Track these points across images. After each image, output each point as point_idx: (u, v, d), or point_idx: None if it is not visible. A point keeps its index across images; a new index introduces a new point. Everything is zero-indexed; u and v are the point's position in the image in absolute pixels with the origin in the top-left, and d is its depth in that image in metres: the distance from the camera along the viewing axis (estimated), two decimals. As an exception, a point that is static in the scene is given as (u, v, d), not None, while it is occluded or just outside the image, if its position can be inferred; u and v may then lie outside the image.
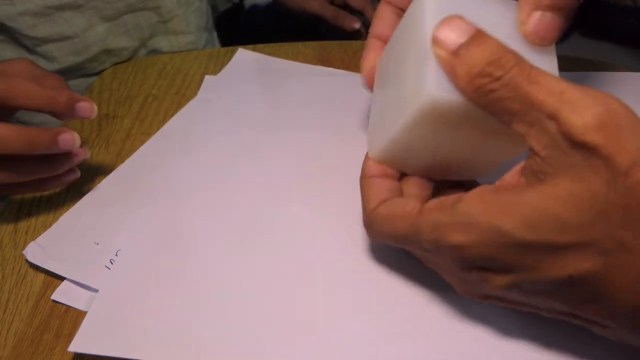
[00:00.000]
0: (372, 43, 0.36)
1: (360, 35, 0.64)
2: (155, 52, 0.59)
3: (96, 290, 0.32)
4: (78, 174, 0.38)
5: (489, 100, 0.22)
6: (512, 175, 0.24)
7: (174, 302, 0.31)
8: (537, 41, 0.24)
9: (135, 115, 0.48)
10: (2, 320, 0.32)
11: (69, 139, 0.34)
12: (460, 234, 0.22)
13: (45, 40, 0.51)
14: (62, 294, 0.33)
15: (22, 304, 0.33)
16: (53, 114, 0.35)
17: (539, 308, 0.25)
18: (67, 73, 0.55)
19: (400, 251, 0.32)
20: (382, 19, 0.35)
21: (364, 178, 0.30)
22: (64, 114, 0.35)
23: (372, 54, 0.35)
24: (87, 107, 0.35)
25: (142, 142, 0.44)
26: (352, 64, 0.52)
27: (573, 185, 0.20)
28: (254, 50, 0.55)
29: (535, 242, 0.21)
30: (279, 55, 0.54)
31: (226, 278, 0.32)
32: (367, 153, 0.32)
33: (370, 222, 0.28)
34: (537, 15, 0.24)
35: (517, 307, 0.26)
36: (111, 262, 0.34)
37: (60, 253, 0.35)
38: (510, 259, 0.22)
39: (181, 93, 0.50)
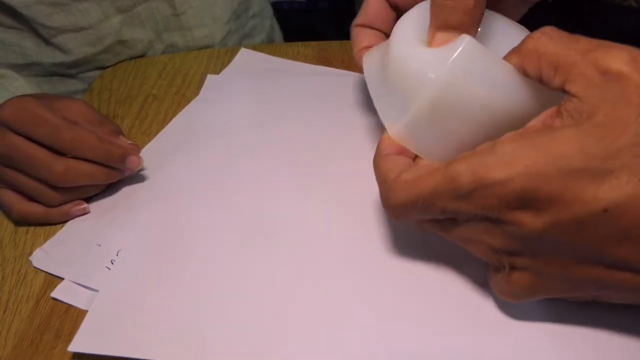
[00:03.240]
0: (358, 31, 0.37)
1: None
2: (171, 47, 0.59)
3: (97, 291, 0.32)
4: (87, 209, 0.39)
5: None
6: (540, 120, 0.25)
7: (175, 302, 0.31)
8: None
9: (135, 116, 0.47)
10: (2, 320, 0.32)
11: (135, 161, 0.38)
12: (503, 168, 0.23)
13: (61, 31, 0.51)
14: (62, 292, 0.33)
15: (22, 304, 0.33)
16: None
17: (568, 267, 0.24)
18: (82, 65, 0.55)
19: (406, 247, 0.33)
20: (368, 7, 0.38)
21: (379, 156, 0.30)
22: (116, 166, 0.37)
23: (364, 40, 0.37)
24: (135, 161, 0.38)
25: (143, 142, 0.44)
26: (352, 64, 0.52)
27: (608, 115, 0.22)
28: (254, 50, 0.55)
29: (578, 169, 0.22)
30: (279, 55, 0.54)
31: (227, 278, 0.32)
32: (382, 136, 0.30)
33: (391, 192, 0.27)
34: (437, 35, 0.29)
35: (537, 276, 0.25)
36: (112, 263, 0.34)
37: (63, 257, 0.35)
38: (553, 189, 0.22)
39: (181, 93, 0.50)
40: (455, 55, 0.26)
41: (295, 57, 0.54)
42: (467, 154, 0.25)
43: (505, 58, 0.27)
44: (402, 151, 0.30)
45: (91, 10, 0.52)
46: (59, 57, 0.53)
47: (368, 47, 0.37)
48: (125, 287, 0.32)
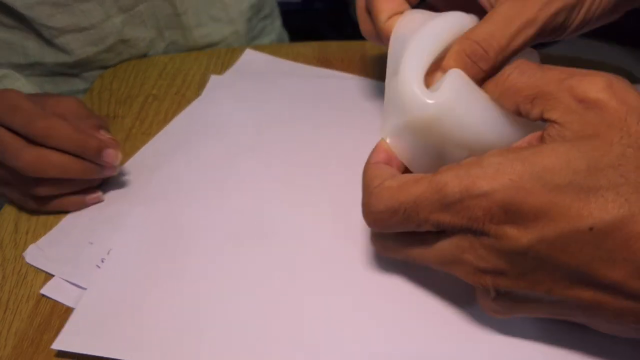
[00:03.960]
0: None
1: None
2: (173, 44, 0.59)
3: (85, 289, 0.32)
4: (102, 198, 0.39)
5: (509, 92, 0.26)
6: (525, 142, 0.25)
7: (165, 303, 0.31)
8: None
9: (135, 116, 0.48)
10: (2, 320, 0.32)
11: (112, 155, 0.37)
12: (488, 180, 0.23)
13: (63, 31, 0.51)
14: (52, 289, 0.33)
15: (23, 303, 0.33)
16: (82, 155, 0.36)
17: (554, 290, 0.24)
18: (84, 64, 0.55)
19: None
20: None
21: (368, 163, 0.29)
22: (92, 159, 0.36)
23: (387, 5, 0.33)
24: (113, 155, 0.37)
25: (143, 142, 0.44)
26: (352, 64, 0.52)
27: (592, 136, 0.22)
28: (255, 50, 0.55)
29: (563, 184, 0.22)
30: (279, 55, 0.54)
31: (221, 279, 0.32)
32: (377, 143, 0.30)
33: (373, 198, 0.26)
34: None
35: (523, 299, 0.25)
36: (102, 261, 0.34)
37: (56, 254, 0.35)
38: (538, 204, 0.22)
39: (181, 93, 0.50)
40: (442, 88, 0.26)
41: (295, 58, 0.54)
42: (453, 166, 0.24)
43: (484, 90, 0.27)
44: (391, 161, 0.29)
45: (93, 11, 0.52)
46: (62, 58, 0.53)
47: (395, 15, 0.34)
48: (113, 286, 0.32)
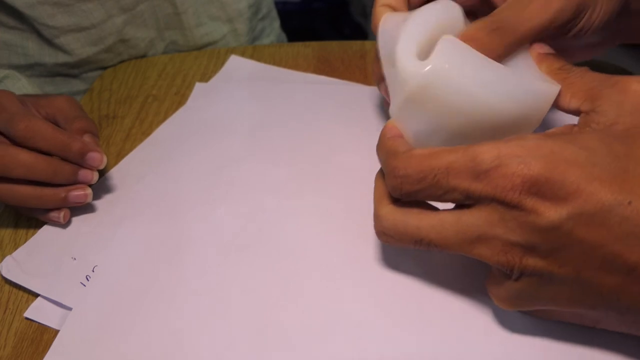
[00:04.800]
0: None
1: None
2: (172, 44, 0.59)
3: (70, 309, 0.31)
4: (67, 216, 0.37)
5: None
6: (558, 130, 0.27)
7: (153, 324, 0.30)
8: None
9: (135, 116, 0.48)
10: (2, 320, 0.32)
11: (98, 158, 0.36)
12: (529, 149, 0.23)
13: (64, 31, 0.51)
14: (36, 311, 0.32)
15: (23, 303, 0.33)
16: (66, 158, 0.36)
17: (583, 271, 0.23)
18: (84, 65, 0.55)
19: (403, 258, 0.32)
20: None
21: (385, 137, 0.29)
22: (75, 161, 0.36)
23: None
24: (97, 158, 0.36)
25: (142, 142, 0.44)
26: (352, 64, 0.52)
27: (627, 123, 0.24)
28: (254, 50, 0.55)
29: (603, 162, 0.22)
30: (279, 55, 0.54)
31: (214, 298, 0.31)
32: (387, 122, 0.30)
33: (402, 162, 0.26)
34: None
35: (546, 281, 0.24)
36: (87, 279, 0.33)
37: (35, 268, 0.34)
38: (579, 177, 0.22)
39: (181, 93, 0.50)
40: (432, 54, 0.27)
41: (295, 57, 0.54)
42: (490, 141, 0.24)
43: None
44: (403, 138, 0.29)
45: (95, 10, 0.52)
46: (62, 58, 0.54)
47: (387, 6, 0.35)
48: (100, 305, 0.31)
